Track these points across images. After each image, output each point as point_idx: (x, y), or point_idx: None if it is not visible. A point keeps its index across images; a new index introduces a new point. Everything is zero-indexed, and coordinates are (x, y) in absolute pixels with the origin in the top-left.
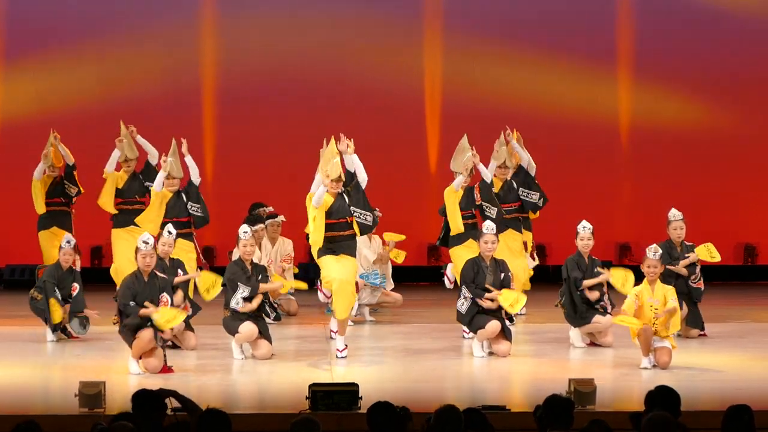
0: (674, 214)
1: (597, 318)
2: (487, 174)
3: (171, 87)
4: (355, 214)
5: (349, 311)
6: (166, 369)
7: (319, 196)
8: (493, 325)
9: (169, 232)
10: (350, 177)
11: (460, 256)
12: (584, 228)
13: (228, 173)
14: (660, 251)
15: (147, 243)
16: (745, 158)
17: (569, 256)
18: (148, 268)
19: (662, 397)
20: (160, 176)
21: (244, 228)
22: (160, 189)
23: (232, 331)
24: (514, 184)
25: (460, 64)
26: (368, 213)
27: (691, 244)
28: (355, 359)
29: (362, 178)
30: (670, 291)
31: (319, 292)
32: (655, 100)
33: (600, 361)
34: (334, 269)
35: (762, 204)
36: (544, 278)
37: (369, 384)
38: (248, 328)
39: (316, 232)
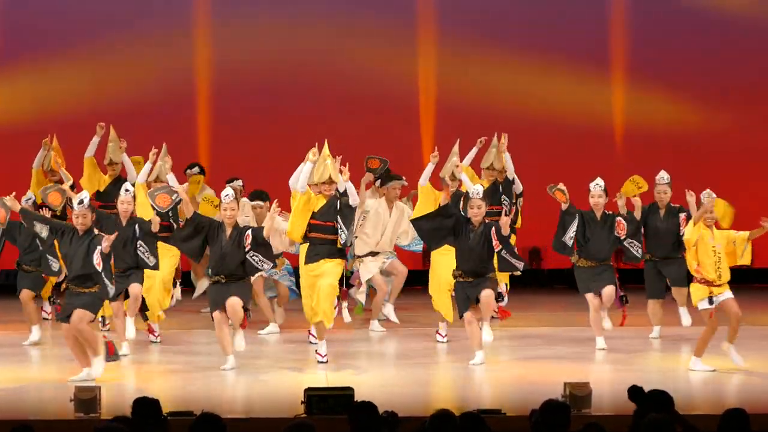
0: (661, 176)
1: (588, 298)
2: (470, 185)
3: (165, 90)
4: (338, 225)
5: (329, 318)
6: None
7: (300, 177)
8: (468, 316)
9: (126, 190)
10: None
11: (438, 261)
12: (596, 185)
13: (222, 176)
14: (714, 195)
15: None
16: (739, 161)
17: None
18: (83, 227)
19: (656, 400)
20: (146, 168)
21: (226, 191)
22: (143, 180)
23: (210, 308)
24: (500, 189)
25: (455, 66)
26: (346, 233)
27: (677, 206)
28: (350, 363)
29: (353, 201)
30: (729, 232)
31: (309, 336)
32: (649, 103)
33: (596, 364)
34: (309, 279)
35: (756, 207)
36: (539, 282)
37: (364, 388)
38: (217, 319)
39: (295, 221)
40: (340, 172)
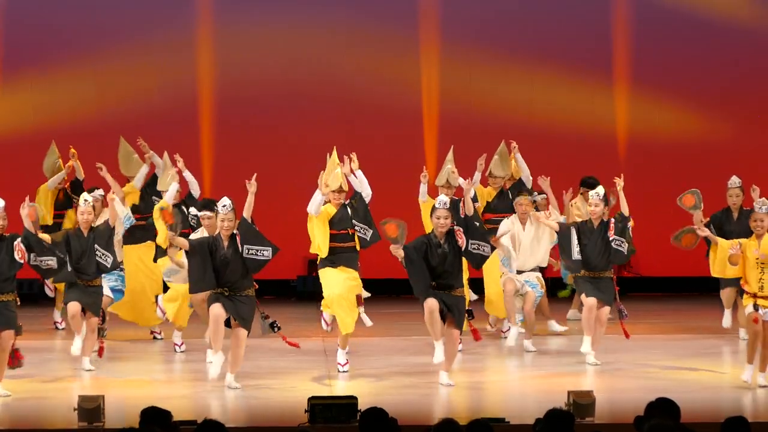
0: (733, 181)
1: (583, 298)
2: (470, 189)
3: (168, 100)
4: (357, 227)
5: (352, 325)
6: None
7: (316, 204)
8: (429, 304)
9: (85, 200)
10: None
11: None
12: (595, 194)
13: (226, 185)
14: (767, 204)
15: None
16: (742, 168)
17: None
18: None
19: (662, 409)
20: (173, 189)
21: (223, 201)
22: (172, 202)
23: (209, 301)
24: (510, 195)
25: (457, 76)
26: (369, 228)
27: (750, 209)
28: (354, 373)
29: (366, 193)
30: None
31: (322, 320)
32: (652, 111)
33: (599, 372)
34: (331, 284)
35: None
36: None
37: (368, 397)
38: (214, 312)
39: (321, 241)
40: (350, 162)
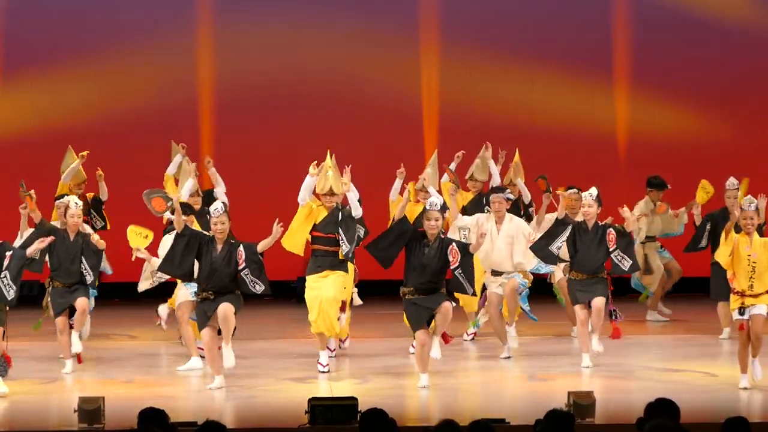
0: (731, 182)
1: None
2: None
3: (168, 100)
4: (340, 236)
5: (332, 329)
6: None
7: (301, 191)
8: (421, 339)
9: (76, 203)
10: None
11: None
12: (588, 195)
13: (225, 186)
14: (755, 201)
15: None
16: (742, 168)
17: None
18: None
19: (661, 409)
20: (189, 185)
21: (215, 205)
22: (186, 197)
23: (199, 324)
24: (484, 200)
25: (458, 75)
26: (348, 243)
27: None
28: (354, 373)
29: (355, 213)
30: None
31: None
32: (652, 111)
33: (599, 373)
34: (312, 291)
35: None
36: (543, 291)
37: (368, 398)
38: (206, 339)
39: (292, 232)
40: (343, 175)
